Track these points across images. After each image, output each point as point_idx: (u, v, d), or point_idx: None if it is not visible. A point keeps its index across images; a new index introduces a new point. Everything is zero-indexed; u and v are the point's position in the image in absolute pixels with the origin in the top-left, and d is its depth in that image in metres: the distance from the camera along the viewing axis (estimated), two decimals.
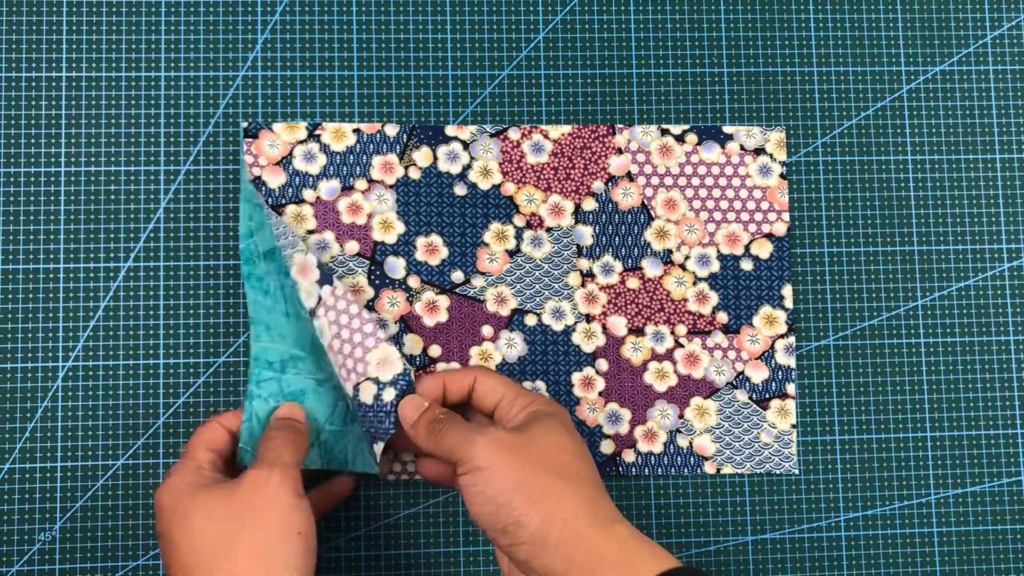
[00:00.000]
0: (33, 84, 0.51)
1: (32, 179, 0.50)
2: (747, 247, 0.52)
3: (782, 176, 0.53)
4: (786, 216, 0.53)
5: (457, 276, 0.51)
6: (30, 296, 0.50)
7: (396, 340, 0.51)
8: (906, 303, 0.53)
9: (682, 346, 0.52)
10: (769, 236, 0.53)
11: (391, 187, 0.51)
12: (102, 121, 0.51)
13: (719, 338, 0.52)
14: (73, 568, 0.49)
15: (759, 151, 0.53)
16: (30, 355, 0.49)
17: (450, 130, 0.52)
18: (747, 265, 0.52)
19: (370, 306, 0.50)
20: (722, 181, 0.53)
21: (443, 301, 0.51)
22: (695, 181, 0.52)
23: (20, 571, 0.49)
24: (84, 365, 0.50)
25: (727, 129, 0.53)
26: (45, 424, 0.49)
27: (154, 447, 0.49)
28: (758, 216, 0.53)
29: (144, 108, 0.51)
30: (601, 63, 0.53)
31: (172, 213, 0.51)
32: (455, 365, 0.51)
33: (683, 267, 0.52)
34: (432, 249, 0.51)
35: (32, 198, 0.50)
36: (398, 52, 0.52)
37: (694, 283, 0.52)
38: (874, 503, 0.52)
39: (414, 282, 0.51)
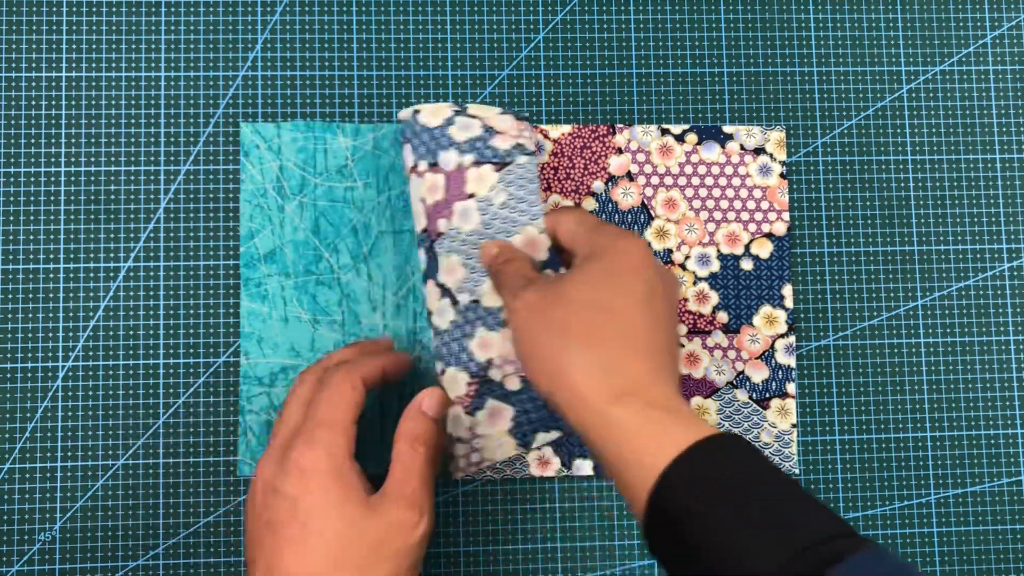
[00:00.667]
0: (33, 84, 0.51)
1: (32, 179, 0.50)
2: (747, 247, 0.52)
3: (782, 176, 0.53)
4: (786, 216, 0.53)
5: None
6: (30, 296, 0.50)
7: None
8: (906, 303, 0.53)
9: (682, 346, 0.52)
10: (769, 236, 0.53)
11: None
12: (102, 121, 0.51)
13: (719, 338, 0.52)
14: (73, 568, 0.49)
15: (759, 151, 0.53)
16: (30, 355, 0.49)
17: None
18: (747, 265, 0.52)
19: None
20: (722, 181, 0.53)
21: None
22: (695, 181, 0.52)
23: (20, 571, 0.49)
24: (84, 365, 0.50)
25: (727, 129, 0.53)
26: (45, 424, 0.49)
27: (154, 447, 0.49)
28: (758, 216, 0.53)
29: (144, 108, 0.51)
30: (601, 63, 0.53)
31: (172, 213, 0.51)
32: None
33: (683, 267, 0.52)
34: None
35: (32, 198, 0.50)
36: (398, 52, 0.52)
37: (694, 283, 0.52)
38: (874, 503, 0.52)
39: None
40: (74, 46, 0.51)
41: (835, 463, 0.52)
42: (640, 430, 0.35)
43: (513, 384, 0.46)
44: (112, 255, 0.50)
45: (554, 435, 0.45)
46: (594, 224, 0.42)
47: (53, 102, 0.51)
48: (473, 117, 0.46)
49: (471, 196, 0.45)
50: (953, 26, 0.55)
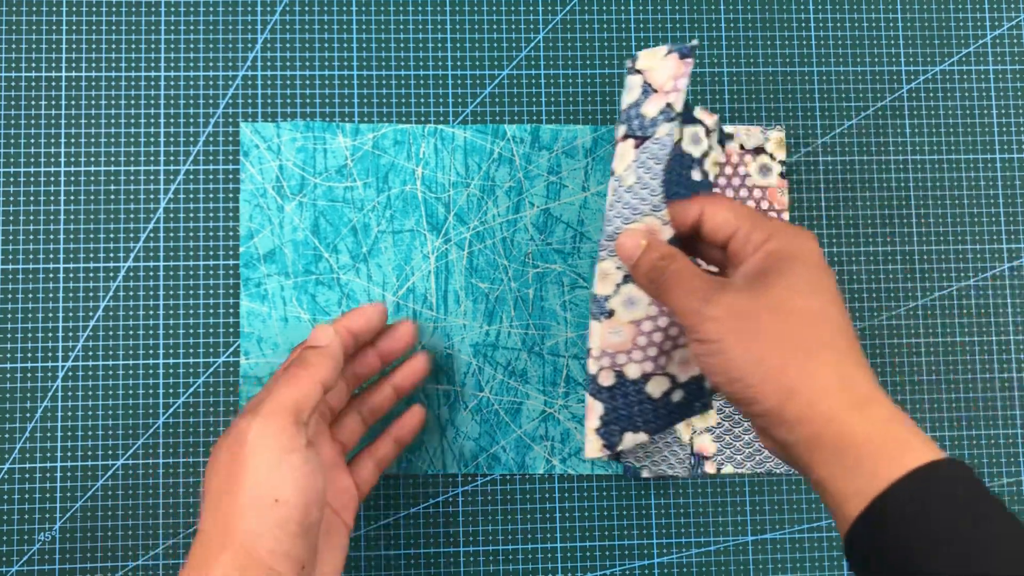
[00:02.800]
0: (33, 84, 0.51)
1: (32, 179, 0.50)
2: None
3: (782, 175, 0.53)
4: (786, 215, 0.53)
5: None
6: (30, 296, 0.50)
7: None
8: (906, 303, 0.53)
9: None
10: None
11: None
12: (102, 121, 0.51)
13: None
14: (73, 568, 0.49)
15: (759, 150, 0.53)
16: (30, 355, 0.49)
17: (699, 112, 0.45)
18: None
19: None
20: (722, 180, 0.52)
21: None
22: None
23: (20, 571, 0.49)
24: (84, 365, 0.50)
25: (727, 128, 0.53)
26: (45, 424, 0.49)
27: (154, 447, 0.49)
28: None
29: (144, 108, 0.51)
30: (601, 63, 0.53)
31: (172, 213, 0.51)
32: None
33: None
34: None
35: (32, 198, 0.50)
36: (398, 52, 0.52)
37: None
38: None
39: None
40: (74, 46, 0.51)
41: None
42: (880, 438, 0.33)
43: (607, 379, 0.41)
44: (112, 255, 0.50)
45: (642, 437, 0.41)
46: (756, 217, 0.37)
47: (53, 102, 0.51)
48: (638, 73, 0.40)
49: (612, 174, 0.40)
50: (953, 26, 0.55)
